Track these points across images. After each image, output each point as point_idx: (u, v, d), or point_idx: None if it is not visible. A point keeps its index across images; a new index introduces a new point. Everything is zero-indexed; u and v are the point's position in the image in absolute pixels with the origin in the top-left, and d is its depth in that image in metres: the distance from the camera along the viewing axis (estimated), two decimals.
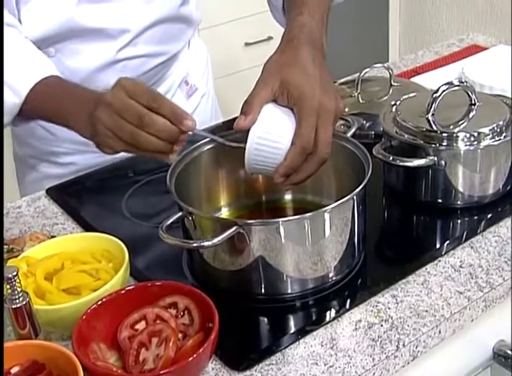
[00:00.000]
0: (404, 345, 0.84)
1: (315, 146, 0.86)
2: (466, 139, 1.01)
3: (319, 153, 0.86)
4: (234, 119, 0.88)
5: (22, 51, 1.11)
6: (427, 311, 0.88)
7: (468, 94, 1.07)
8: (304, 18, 0.96)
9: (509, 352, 0.99)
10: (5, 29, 1.08)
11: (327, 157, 0.88)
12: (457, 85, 1.05)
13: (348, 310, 0.89)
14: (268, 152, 0.87)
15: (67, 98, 1.01)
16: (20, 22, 1.14)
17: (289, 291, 0.90)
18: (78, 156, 1.30)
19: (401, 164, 1.03)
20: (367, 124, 1.23)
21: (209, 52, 1.50)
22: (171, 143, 0.87)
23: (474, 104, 1.07)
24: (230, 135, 0.96)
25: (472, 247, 0.99)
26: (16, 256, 0.93)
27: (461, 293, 0.91)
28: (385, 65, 1.34)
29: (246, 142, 0.87)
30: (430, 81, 1.42)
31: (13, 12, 1.13)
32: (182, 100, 1.39)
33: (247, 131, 0.87)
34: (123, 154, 0.96)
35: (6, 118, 1.06)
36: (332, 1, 1.09)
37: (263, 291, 0.90)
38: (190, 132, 0.87)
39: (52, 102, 1.03)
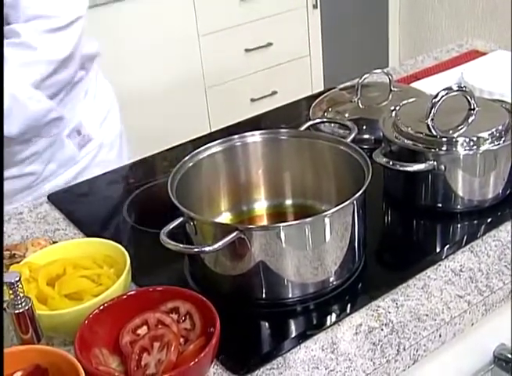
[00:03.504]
0: (404, 349, 0.84)
1: None
2: (465, 144, 1.02)
3: None
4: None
5: None
6: (427, 315, 0.89)
7: (467, 99, 1.07)
8: None
9: (509, 355, 0.99)
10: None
11: None
12: (456, 90, 1.05)
13: (349, 314, 0.89)
14: None
15: None
16: None
17: (290, 296, 0.90)
18: None
19: (400, 168, 1.03)
20: (367, 130, 1.23)
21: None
22: None
23: (474, 109, 1.07)
24: None
25: (472, 252, 0.99)
26: (18, 262, 0.94)
27: (461, 297, 0.91)
28: (385, 70, 1.34)
29: None
30: (429, 86, 1.42)
31: None
32: (72, 151, 1.34)
33: None
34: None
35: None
36: None
37: (264, 295, 0.90)
38: None
39: None
